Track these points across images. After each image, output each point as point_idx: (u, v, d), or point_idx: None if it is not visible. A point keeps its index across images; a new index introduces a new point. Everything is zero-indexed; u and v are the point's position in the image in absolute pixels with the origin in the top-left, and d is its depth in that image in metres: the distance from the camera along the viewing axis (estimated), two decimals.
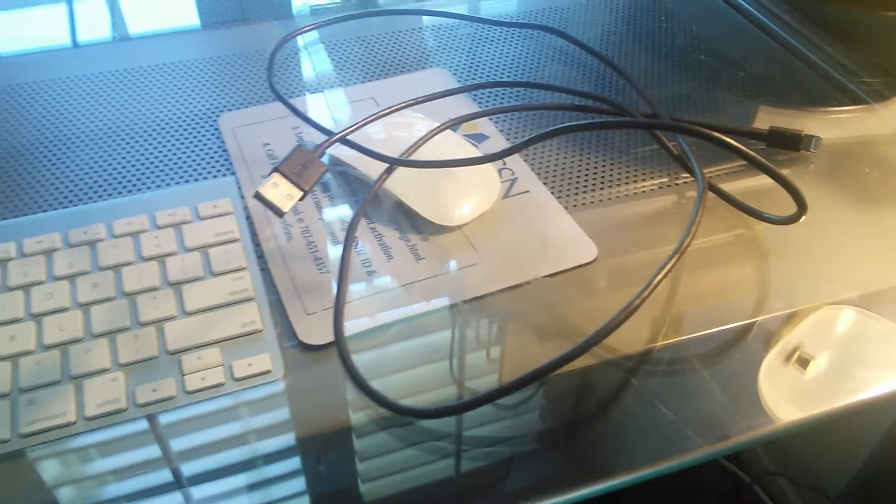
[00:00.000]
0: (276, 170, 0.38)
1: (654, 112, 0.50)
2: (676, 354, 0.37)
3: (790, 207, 0.41)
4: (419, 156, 0.45)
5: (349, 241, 0.40)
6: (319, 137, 0.48)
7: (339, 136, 0.42)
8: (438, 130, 0.46)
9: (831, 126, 0.51)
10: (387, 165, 0.43)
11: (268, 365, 0.35)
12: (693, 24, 0.61)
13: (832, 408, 0.36)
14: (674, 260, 0.37)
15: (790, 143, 0.47)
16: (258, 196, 0.37)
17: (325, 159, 0.46)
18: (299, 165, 0.38)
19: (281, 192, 0.37)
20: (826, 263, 0.42)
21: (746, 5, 0.63)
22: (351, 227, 0.40)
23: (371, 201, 0.44)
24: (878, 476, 0.73)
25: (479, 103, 0.53)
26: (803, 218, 0.41)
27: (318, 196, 0.45)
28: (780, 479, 0.96)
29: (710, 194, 0.45)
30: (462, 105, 0.52)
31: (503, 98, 0.53)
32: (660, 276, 0.36)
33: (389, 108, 0.47)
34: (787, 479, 0.95)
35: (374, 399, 0.34)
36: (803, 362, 0.37)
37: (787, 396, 0.36)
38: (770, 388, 0.36)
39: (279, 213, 0.37)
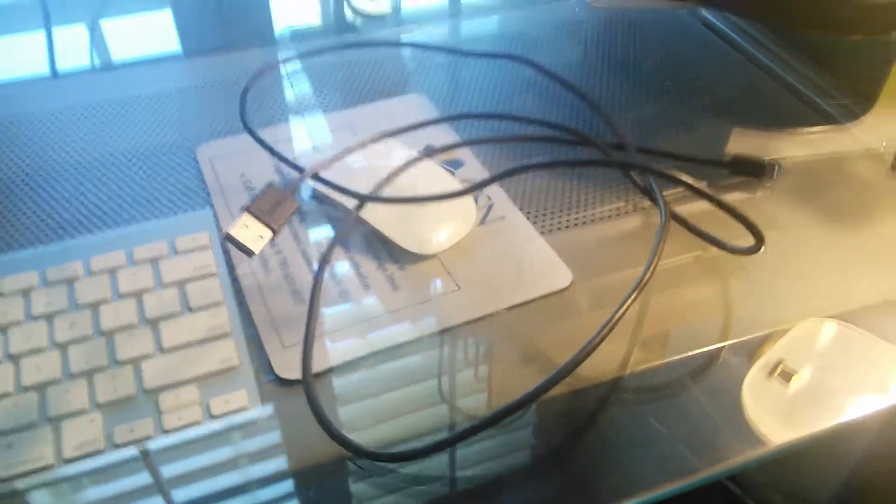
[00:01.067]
0: (246, 209, 0.38)
1: (621, 142, 0.50)
2: (658, 378, 0.38)
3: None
4: (397, 183, 0.45)
5: (318, 284, 0.40)
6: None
7: (310, 172, 0.43)
8: (410, 163, 0.46)
9: (805, 145, 0.51)
10: (368, 201, 0.43)
11: (244, 401, 0.36)
12: (667, 45, 0.62)
13: (818, 430, 0.36)
14: (635, 294, 0.38)
15: (753, 170, 0.48)
16: (228, 238, 0.37)
17: (301, 191, 0.46)
18: (270, 204, 0.38)
19: (251, 233, 0.37)
20: (801, 281, 0.42)
21: (722, 26, 0.64)
22: (321, 268, 0.41)
23: (348, 231, 0.45)
24: (865, 486, 0.73)
25: (456, 129, 0.53)
26: (762, 249, 0.41)
27: (296, 227, 0.45)
28: (771, 491, 0.97)
29: (676, 225, 0.45)
30: (439, 131, 0.52)
31: (479, 125, 0.54)
32: (621, 311, 0.37)
33: (362, 141, 0.47)
34: (777, 490, 0.96)
35: (340, 443, 0.34)
36: (786, 376, 0.38)
37: (772, 411, 0.36)
38: (754, 403, 0.36)
39: (249, 254, 0.37)
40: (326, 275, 0.42)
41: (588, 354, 0.34)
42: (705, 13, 0.65)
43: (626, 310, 0.37)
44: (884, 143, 0.51)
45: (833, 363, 0.39)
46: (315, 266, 0.43)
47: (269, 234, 0.38)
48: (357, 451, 0.34)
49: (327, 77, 0.58)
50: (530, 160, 0.40)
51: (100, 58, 0.61)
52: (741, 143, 0.51)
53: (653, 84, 0.57)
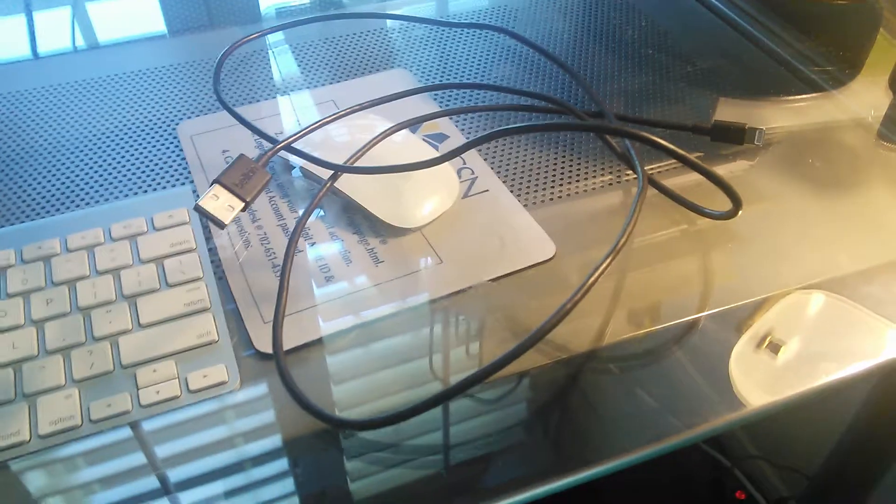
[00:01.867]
0: (216, 181, 0.37)
1: (600, 111, 0.50)
2: (646, 346, 0.37)
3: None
4: (376, 157, 0.45)
5: (290, 252, 0.39)
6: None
7: (282, 144, 0.42)
8: (387, 133, 0.46)
9: (791, 114, 0.51)
10: (343, 172, 0.43)
11: (223, 376, 0.35)
12: (651, 15, 0.61)
13: (802, 390, 0.36)
14: (609, 259, 0.37)
15: (734, 136, 0.47)
16: (198, 208, 0.37)
17: (277, 167, 0.46)
18: (241, 175, 0.38)
19: (221, 203, 0.37)
20: (787, 250, 0.42)
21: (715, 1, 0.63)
22: (293, 235, 0.40)
23: (330, 205, 0.44)
24: (850, 453, 0.73)
25: (440, 103, 0.52)
26: (740, 213, 0.41)
27: (276, 201, 0.45)
28: (761, 462, 0.97)
29: (657, 193, 0.45)
30: (424, 106, 0.52)
31: (463, 98, 0.53)
32: (595, 276, 0.36)
33: (339, 112, 0.47)
34: (767, 461, 0.96)
35: (311, 412, 0.34)
36: (774, 348, 0.38)
37: (759, 382, 0.36)
38: (741, 374, 0.36)
39: (220, 225, 0.37)
40: (308, 250, 0.42)
41: (560, 319, 0.34)
42: None
43: (600, 275, 0.36)
44: (872, 112, 0.51)
45: (821, 334, 0.38)
46: (299, 244, 0.42)
47: (239, 204, 0.38)
48: (329, 420, 0.33)
49: (310, 52, 0.57)
50: (505, 126, 0.39)
51: (83, 38, 0.60)
52: (727, 112, 0.51)
53: (636, 54, 0.57)
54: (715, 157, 0.48)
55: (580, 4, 0.63)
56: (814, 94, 0.52)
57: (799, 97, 0.52)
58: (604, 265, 0.37)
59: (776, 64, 0.55)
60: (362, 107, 0.48)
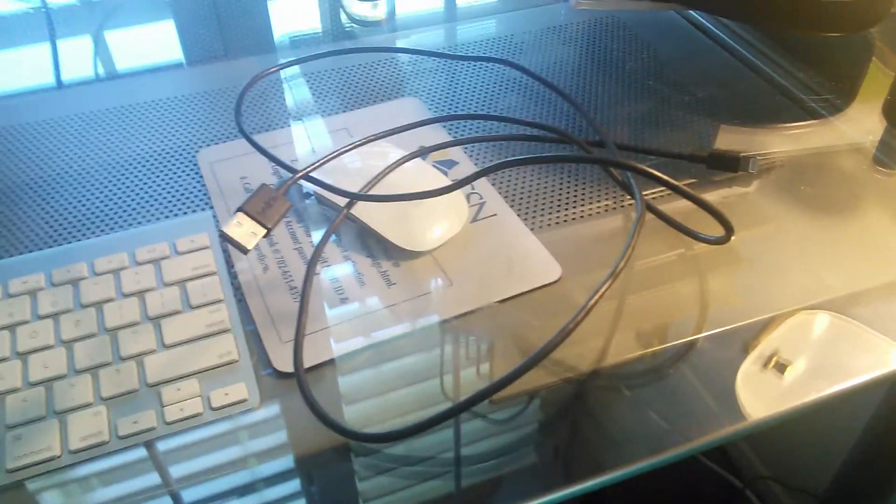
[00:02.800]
0: (239, 209, 0.39)
1: (601, 140, 0.52)
2: (652, 365, 0.39)
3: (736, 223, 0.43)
4: (388, 184, 0.47)
5: (309, 275, 0.41)
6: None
7: (301, 173, 0.44)
8: (401, 162, 0.48)
9: (789, 140, 0.53)
10: (358, 200, 0.45)
11: (244, 394, 0.37)
12: (653, 44, 0.63)
13: (808, 401, 0.37)
14: (608, 283, 0.39)
15: (729, 164, 0.49)
16: (222, 235, 0.39)
17: (294, 193, 0.48)
18: (263, 203, 0.40)
19: (245, 230, 0.39)
20: (786, 273, 0.43)
21: (709, 25, 0.65)
22: (312, 259, 0.42)
23: (345, 230, 0.46)
24: (859, 471, 0.74)
25: (449, 132, 0.54)
26: (732, 238, 0.43)
27: (293, 226, 0.46)
28: (772, 483, 0.97)
29: (657, 219, 0.47)
30: (433, 134, 0.54)
31: (471, 128, 0.55)
32: (594, 299, 0.37)
33: (352, 143, 0.49)
34: (778, 482, 0.97)
35: (331, 427, 0.35)
36: (781, 367, 0.39)
37: (767, 401, 0.37)
38: (748, 393, 0.37)
39: (244, 250, 0.39)
40: (323, 273, 0.43)
41: (563, 339, 0.35)
42: (693, 12, 0.66)
43: (601, 296, 0.38)
44: (869, 138, 0.52)
45: (827, 353, 0.39)
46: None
47: (262, 231, 0.39)
48: (347, 434, 0.35)
49: (324, 82, 0.59)
50: (510, 157, 0.41)
51: (103, 68, 0.63)
52: (728, 139, 0.52)
53: (637, 83, 0.59)
54: (714, 183, 0.49)
55: (583, 35, 0.65)
56: (811, 122, 0.54)
57: (797, 124, 0.54)
58: (604, 287, 0.38)
59: (776, 92, 0.57)
60: (377, 137, 0.50)
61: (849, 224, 0.46)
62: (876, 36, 0.56)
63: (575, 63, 0.61)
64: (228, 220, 0.39)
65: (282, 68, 0.60)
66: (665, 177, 0.40)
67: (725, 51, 0.62)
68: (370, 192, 0.46)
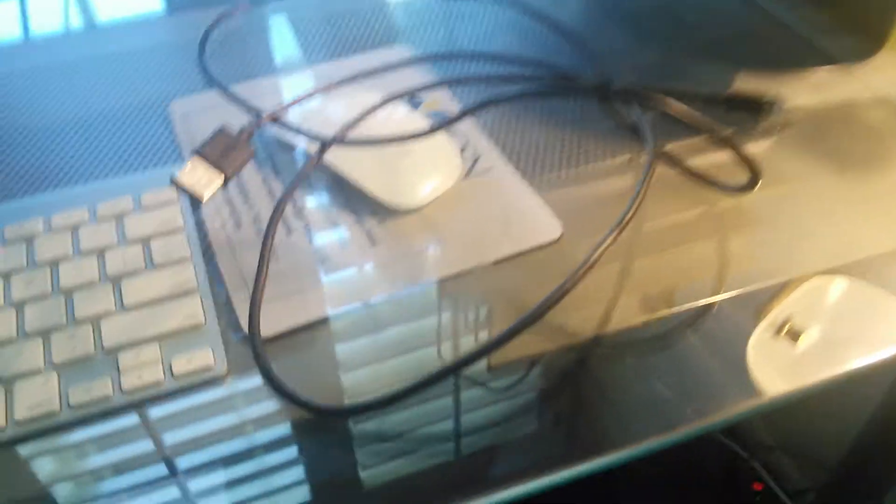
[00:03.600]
0: (194, 151, 0.36)
1: (607, 81, 0.48)
2: (659, 332, 0.35)
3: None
4: (374, 134, 0.43)
5: (272, 227, 0.37)
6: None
7: (268, 116, 0.40)
8: (378, 105, 0.44)
9: (809, 89, 0.48)
10: (331, 144, 0.41)
11: (209, 360, 0.34)
12: None
13: (823, 378, 0.34)
14: (613, 236, 0.35)
15: (751, 108, 0.45)
16: (174, 182, 0.35)
17: (273, 145, 0.44)
18: (222, 148, 0.36)
19: (200, 177, 0.35)
20: (807, 232, 0.40)
21: None
22: (275, 210, 0.38)
23: (326, 184, 0.42)
24: (873, 445, 0.71)
25: (444, 81, 0.50)
26: (757, 186, 0.38)
27: (270, 182, 0.43)
28: (779, 454, 0.95)
29: (669, 169, 0.43)
30: (425, 81, 0.50)
31: (468, 72, 0.51)
32: (598, 252, 0.34)
33: (329, 83, 0.45)
34: (785, 452, 0.94)
35: (290, 400, 0.32)
36: (794, 335, 0.36)
37: (778, 370, 0.34)
38: (759, 362, 0.34)
39: (199, 199, 0.36)
40: (300, 231, 0.40)
41: (560, 297, 0.32)
42: None
43: (604, 251, 0.34)
44: None
45: (844, 320, 0.36)
46: (290, 221, 0.40)
47: (220, 179, 0.36)
48: (311, 409, 0.32)
49: (308, 28, 0.55)
50: (502, 92, 0.37)
51: (75, 18, 0.59)
52: (744, 88, 0.48)
53: (645, 27, 0.54)
54: (726, 127, 0.45)
55: None
56: (833, 68, 0.49)
57: (818, 70, 0.49)
58: (608, 241, 0.35)
59: (795, 37, 0.53)
60: (355, 79, 0.46)
61: (872, 181, 0.42)
62: None
63: (578, 5, 0.57)
64: (183, 166, 0.36)
65: (256, 5, 0.55)
66: (679, 104, 0.35)
67: None
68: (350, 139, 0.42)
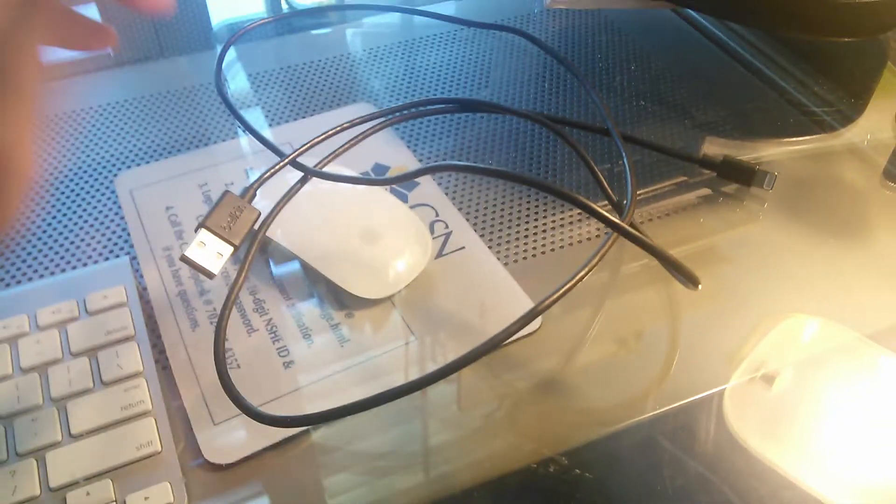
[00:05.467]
0: (202, 225, 0.34)
1: (607, 127, 0.46)
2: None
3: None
4: (335, 215, 0.40)
5: (220, 333, 0.35)
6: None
7: (269, 174, 0.38)
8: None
9: (794, 153, 0.47)
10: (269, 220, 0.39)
11: (168, 497, 0.31)
12: (644, 45, 0.57)
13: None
14: (560, 290, 0.33)
15: (743, 176, 0.43)
16: (185, 259, 0.33)
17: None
18: (228, 216, 0.35)
19: (209, 251, 0.34)
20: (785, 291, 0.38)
21: (709, 26, 0.58)
22: (223, 310, 0.36)
23: (292, 272, 0.40)
24: None
25: (406, 141, 0.48)
26: (700, 287, 0.38)
27: (228, 273, 0.40)
28: None
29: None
30: (389, 146, 0.47)
31: (428, 130, 0.49)
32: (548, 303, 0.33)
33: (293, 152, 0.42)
34: None
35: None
36: (769, 380, 0.35)
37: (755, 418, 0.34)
38: (736, 412, 0.34)
39: (209, 275, 0.34)
40: (263, 328, 0.37)
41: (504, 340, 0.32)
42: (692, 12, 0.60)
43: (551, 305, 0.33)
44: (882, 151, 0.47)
45: (814, 360, 0.36)
46: (252, 319, 0.37)
47: (229, 250, 0.35)
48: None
49: (264, 84, 0.52)
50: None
51: None
52: (714, 152, 0.46)
53: (627, 92, 0.52)
54: (718, 194, 0.44)
55: (563, 37, 0.58)
56: (820, 135, 0.48)
57: (800, 139, 0.48)
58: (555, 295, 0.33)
59: (781, 99, 0.51)
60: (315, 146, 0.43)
61: (855, 244, 0.41)
62: (892, 39, 0.50)
63: (553, 69, 0.55)
64: (191, 242, 0.34)
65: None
66: (639, 234, 0.33)
67: (726, 54, 0.55)
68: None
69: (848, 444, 0.33)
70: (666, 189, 0.44)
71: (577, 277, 0.34)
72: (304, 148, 0.43)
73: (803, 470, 0.32)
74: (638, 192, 0.43)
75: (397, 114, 0.47)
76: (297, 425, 0.33)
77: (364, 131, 0.45)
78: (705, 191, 0.44)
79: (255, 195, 0.38)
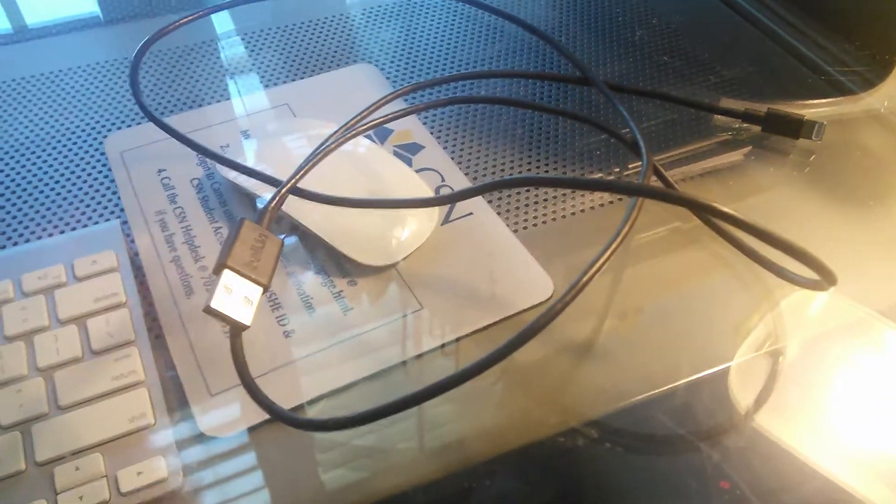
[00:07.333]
0: (223, 265, 0.29)
1: (587, 76, 0.44)
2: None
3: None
4: (338, 181, 0.38)
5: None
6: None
7: (284, 188, 0.35)
8: (330, 148, 0.38)
9: (813, 115, 0.45)
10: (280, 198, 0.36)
11: (162, 472, 0.29)
12: (666, 12, 0.54)
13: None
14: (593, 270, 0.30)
15: (790, 128, 0.42)
16: (210, 311, 0.28)
17: (221, 187, 0.39)
18: (251, 248, 0.29)
19: (236, 297, 0.29)
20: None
21: None
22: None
23: (288, 240, 0.38)
24: None
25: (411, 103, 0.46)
26: (832, 289, 0.33)
27: (222, 233, 0.38)
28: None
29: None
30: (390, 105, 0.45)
31: (436, 93, 0.46)
32: (586, 279, 0.30)
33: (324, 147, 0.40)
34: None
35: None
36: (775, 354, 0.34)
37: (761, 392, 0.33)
38: (741, 385, 0.33)
39: (243, 328, 0.29)
40: (264, 296, 0.35)
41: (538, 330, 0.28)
42: None
43: (589, 280, 0.30)
44: None
45: (825, 334, 0.35)
46: None
47: (258, 292, 0.30)
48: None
49: (259, 43, 0.50)
50: (538, 175, 0.33)
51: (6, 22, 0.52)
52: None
53: (654, 50, 0.50)
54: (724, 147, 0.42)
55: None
56: (841, 98, 0.46)
57: (821, 101, 0.46)
58: (589, 273, 0.30)
59: (800, 63, 0.49)
60: (317, 108, 0.41)
61: (878, 211, 0.40)
62: None
63: (573, 25, 0.53)
64: (214, 287, 0.29)
65: (191, 20, 0.48)
66: (735, 214, 0.30)
67: (745, 19, 0.53)
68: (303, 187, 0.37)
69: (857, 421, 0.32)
70: (705, 148, 0.42)
71: (619, 240, 0.32)
72: (305, 170, 0.40)
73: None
74: (676, 151, 0.41)
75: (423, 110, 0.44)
76: (339, 428, 0.29)
77: (386, 115, 0.42)
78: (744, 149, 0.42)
79: (274, 216, 0.34)
